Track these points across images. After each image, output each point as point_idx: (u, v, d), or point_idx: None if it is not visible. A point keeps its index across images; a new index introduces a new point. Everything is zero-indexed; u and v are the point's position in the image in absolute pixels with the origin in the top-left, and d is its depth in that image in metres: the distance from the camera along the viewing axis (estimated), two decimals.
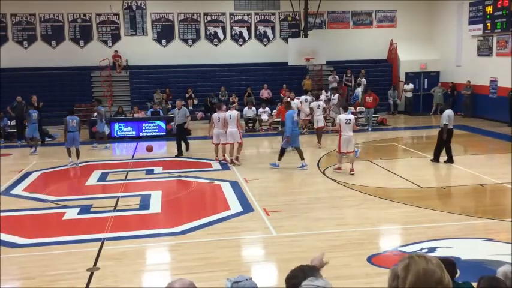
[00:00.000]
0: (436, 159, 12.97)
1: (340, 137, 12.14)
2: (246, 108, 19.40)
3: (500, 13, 19.58)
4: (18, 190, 11.12)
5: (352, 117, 12.50)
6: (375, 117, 20.26)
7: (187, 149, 15.10)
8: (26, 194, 10.79)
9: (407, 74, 23.87)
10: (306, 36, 23.30)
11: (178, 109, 14.89)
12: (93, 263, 6.90)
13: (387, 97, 23.23)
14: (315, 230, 8.21)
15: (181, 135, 14.93)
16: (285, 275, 2.80)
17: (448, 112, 12.62)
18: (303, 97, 18.27)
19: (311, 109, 16.69)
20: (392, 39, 24.56)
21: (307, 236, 7.94)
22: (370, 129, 18.85)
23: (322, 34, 23.95)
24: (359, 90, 21.80)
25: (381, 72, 24.30)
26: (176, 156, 14.55)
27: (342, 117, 12.26)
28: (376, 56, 24.71)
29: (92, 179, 12.12)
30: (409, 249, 7.27)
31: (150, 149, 13.65)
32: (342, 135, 12.10)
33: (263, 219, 8.73)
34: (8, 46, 22.75)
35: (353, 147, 12.25)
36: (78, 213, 9.32)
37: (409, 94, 23.19)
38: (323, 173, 12.34)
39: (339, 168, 12.38)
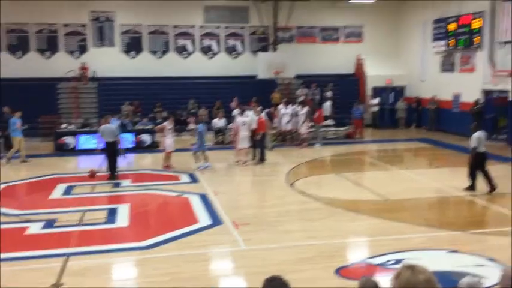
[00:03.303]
0: (471, 187, 11.32)
1: (238, 136, 14.80)
2: (216, 119, 19.27)
3: (462, 30, 20.24)
4: None
5: (247, 119, 15.18)
6: (341, 129, 20.59)
7: (112, 175, 13.00)
8: None
9: (374, 88, 24.35)
10: (275, 50, 23.56)
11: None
12: (57, 279, 6.71)
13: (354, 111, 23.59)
14: (284, 242, 8.21)
15: (109, 154, 13.08)
16: None
17: (478, 134, 11.16)
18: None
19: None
20: (359, 54, 25.06)
21: (276, 249, 7.93)
22: (318, 145, 18.40)
23: (291, 48, 24.24)
24: (328, 104, 22.11)
25: (348, 87, 24.69)
26: (108, 179, 12.89)
27: (240, 120, 15.08)
28: (344, 70, 25.14)
29: (57, 193, 11.84)
30: (376, 261, 7.36)
31: (92, 175, 13.21)
32: (240, 134, 14.75)
33: (232, 233, 8.69)
34: None
35: (248, 145, 14.95)
36: (42, 228, 9.07)
37: (376, 108, 23.65)
38: (292, 185, 12.40)
39: (242, 161, 14.91)
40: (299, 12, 23.45)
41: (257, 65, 22.45)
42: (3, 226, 9.28)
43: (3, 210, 10.23)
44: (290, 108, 18.91)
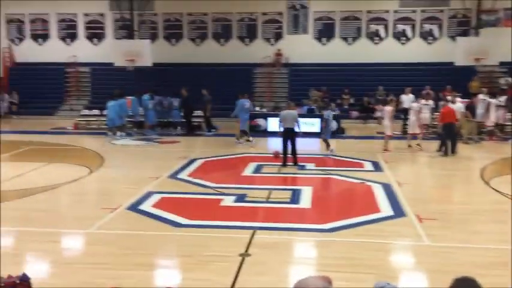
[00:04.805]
0: None
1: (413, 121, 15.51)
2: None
3: None
4: (183, 175, 12.20)
5: (415, 105, 15.76)
6: None
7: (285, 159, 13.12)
8: (190, 179, 11.78)
9: None
10: (477, 34, 21.62)
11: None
12: (245, 249, 7.29)
13: None
14: (473, 243, 7.62)
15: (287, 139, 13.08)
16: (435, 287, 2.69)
17: None
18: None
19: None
20: None
21: (463, 249, 7.41)
22: None
23: (496, 32, 21.95)
24: None
25: None
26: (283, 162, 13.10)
27: (413, 105, 15.77)
28: None
29: (248, 170, 12.78)
30: None
31: (276, 156, 13.63)
32: (412, 119, 15.61)
33: (415, 226, 8.36)
34: (183, 43, 25.06)
35: (415, 130, 15.43)
36: (234, 201, 9.90)
37: None
38: (487, 183, 11.37)
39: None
40: None
41: (455, 50, 20.87)
42: (202, 196, 10.42)
43: (203, 182, 11.43)
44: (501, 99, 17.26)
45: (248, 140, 16.62)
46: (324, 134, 14.81)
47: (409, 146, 15.43)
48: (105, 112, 19.10)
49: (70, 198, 10.51)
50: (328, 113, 14.82)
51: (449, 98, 16.32)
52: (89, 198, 10.70)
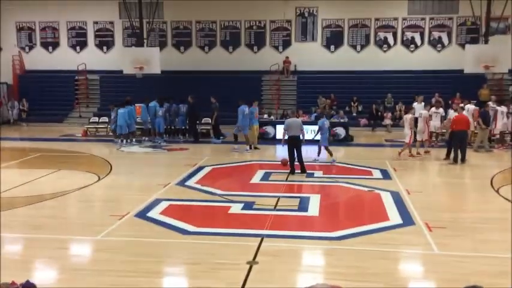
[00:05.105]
0: None
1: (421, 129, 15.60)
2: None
3: None
4: (191, 182, 12.20)
5: (423, 112, 15.84)
6: None
7: (292, 168, 13.08)
8: (198, 186, 11.79)
9: None
10: (486, 42, 21.48)
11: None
12: (253, 257, 7.26)
13: None
14: (483, 252, 7.54)
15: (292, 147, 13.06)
16: None
17: None
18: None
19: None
20: None
21: (473, 257, 7.34)
22: None
23: (506, 40, 21.85)
24: None
25: None
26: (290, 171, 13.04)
27: (421, 112, 15.85)
28: None
29: (256, 178, 12.76)
30: None
31: (284, 164, 13.54)
32: (419, 127, 15.61)
33: (424, 235, 8.30)
34: (192, 50, 25.17)
35: (421, 138, 15.58)
36: (242, 209, 9.89)
37: None
38: (497, 191, 11.28)
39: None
40: None
41: (464, 58, 20.78)
42: (210, 204, 10.41)
43: (211, 189, 11.42)
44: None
45: (232, 137, 17.15)
46: (321, 142, 14.70)
47: (418, 153, 15.36)
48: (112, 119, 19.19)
49: (79, 205, 10.55)
50: (323, 121, 14.75)
51: (461, 105, 16.20)
52: (98, 205, 10.74)
